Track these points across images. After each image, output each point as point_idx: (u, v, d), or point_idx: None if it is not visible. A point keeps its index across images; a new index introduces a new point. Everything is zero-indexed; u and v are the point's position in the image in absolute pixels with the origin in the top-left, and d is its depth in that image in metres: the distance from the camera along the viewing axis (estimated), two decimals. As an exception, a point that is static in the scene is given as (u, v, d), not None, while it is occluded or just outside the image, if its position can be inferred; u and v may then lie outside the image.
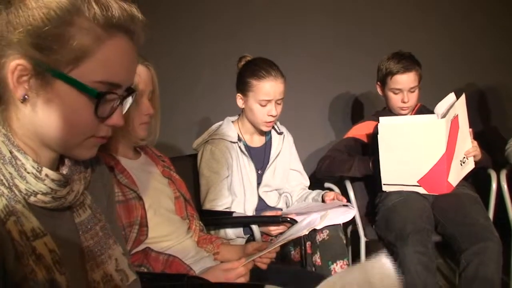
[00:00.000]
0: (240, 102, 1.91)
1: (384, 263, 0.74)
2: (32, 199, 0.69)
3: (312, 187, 2.16)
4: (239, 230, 1.78)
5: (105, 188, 0.90)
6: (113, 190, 0.94)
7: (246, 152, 1.92)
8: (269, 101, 1.83)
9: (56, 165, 0.76)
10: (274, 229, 1.79)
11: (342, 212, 1.83)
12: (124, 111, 0.77)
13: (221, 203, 1.82)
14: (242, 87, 1.87)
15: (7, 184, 0.68)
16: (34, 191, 0.69)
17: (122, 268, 0.83)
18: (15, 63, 0.66)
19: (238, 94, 1.90)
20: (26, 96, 0.67)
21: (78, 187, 0.76)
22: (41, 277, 0.66)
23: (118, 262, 0.82)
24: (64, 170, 0.76)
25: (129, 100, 0.78)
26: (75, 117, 0.69)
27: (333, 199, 1.96)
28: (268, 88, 1.82)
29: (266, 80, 1.81)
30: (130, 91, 0.77)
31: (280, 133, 2.05)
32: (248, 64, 1.89)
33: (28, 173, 0.69)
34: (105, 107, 0.71)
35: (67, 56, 0.66)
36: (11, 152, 0.69)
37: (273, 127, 2.03)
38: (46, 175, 0.70)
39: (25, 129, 0.70)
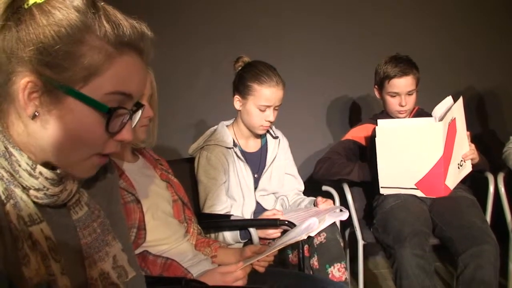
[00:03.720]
0: (237, 104, 1.91)
1: None
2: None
3: (310, 189, 2.16)
4: (237, 236, 1.77)
5: (107, 184, 0.89)
6: (118, 186, 0.93)
7: (242, 157, 1.92)
8: (268, 106, 1.84)
9: (50, 165, 0.75)
10: (272, 233, 1.78)
11: (336, 215, 1.84)
12: (133, 126, 0.77)
13: (220, 209, 1.82)
14: (242, 90, 1.86)
15: (7, 169, 0.68)
16: (27, 185, 0.69)
17: (121, 264, 0.83)
18: (26, 81, 0.66)
19: (236, 96, 1.90)
20: (36, 113, 0.67)
21: (72, 186, 0.76)
22: (34, 263, 0.66)
23: (116, 258, 0.82)
24: (60, 169, 0.75)
25: (138, 115, 0.78)
26: (86, 133, 0.69)
27: (319, 203, 1.93)
28: (269, 94, 1.82)
29: (268, 85, 1.81)
30: (138, 105, 0.77)
31: (276, 137, 2.05)
32: (249, 67, 1.88)
33: (22, 169, 0.69)
34: (115, 123, 0.71)
35: (78, 73, 0.66)
36: (6, 148, 0.69)
37: (268, 132, 2.03)
38: (40, 173, 0.70)
39: (29, 142, 0.70)
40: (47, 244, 0.68)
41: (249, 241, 1.78)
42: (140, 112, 0.78)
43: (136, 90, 0.73)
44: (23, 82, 0.66)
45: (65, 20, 0.65)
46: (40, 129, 0.68)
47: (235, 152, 1.91)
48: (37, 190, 0.70)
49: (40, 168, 0.70)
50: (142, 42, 0.72)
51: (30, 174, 0.69)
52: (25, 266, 0.65)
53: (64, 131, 0.68)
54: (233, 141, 1.93)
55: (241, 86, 1.87)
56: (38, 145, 0.70)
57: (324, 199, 1.94)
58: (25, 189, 0.69)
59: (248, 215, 1.89)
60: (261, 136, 2.02)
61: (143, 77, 0.75)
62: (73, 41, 0.65)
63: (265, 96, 1.82)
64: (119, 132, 0.73)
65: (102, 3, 0.69)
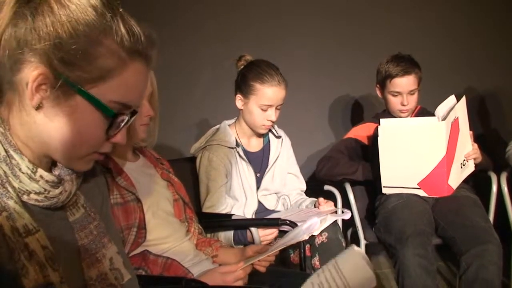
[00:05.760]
0: (239, 103, 1.90)
1: (354, 255, 0.76)
2: (25, 197, 0.70)
3: (311, 189, 2.15)
4: (230, 239, 1.76)
5: (99, 188, 0.90)
6: (107, 190, 0.95)
7: (244, 157, 1.91)
8: (270, 106, 1.83)
9: (49, 166, 0.76)
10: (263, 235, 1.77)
11: (338, 214, 1.84)
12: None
13: (220, 210, 1.82)
14: (244, 89, 1.86)
15: (1, 178, 0.68)
16: (27, 190, 0.69)
17: (117, 267, 0.83)
18: (38, 72, 0.66)
19: (238, 95, 1.89)
20: (41, 105, 0.68)
21: (70, 187, 0.77)
22: (33, 273, 0.65)
23: (112, 261, 0.83)
24: (57, 171, 0.76)
25: (131, 120, 0.80)
26: (87, 132, 0.70)
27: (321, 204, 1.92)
28: (271, 94, 1.81)
29: (270, 85, 1.81)
30: (133, 112, 0.78)
31: (278, 137, 2.04)
32: (251, 66, 1.87)
33: (23, 173, 0.69)
34: (115, 127, 0.73)
35: (90, 74, 0.67)
36: (6, 151, 0.69)
37: (271, 131, 2.02)
38: (41, 176, 0.70)
39: (30, 132, 0.70)
40: (44, 253, 0.68)
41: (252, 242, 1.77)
42: (133, 118, 0.80)
43: (137, 100, 0.75)
44: (34, 73, 0.66)
45: (83, 18, 0.66)
46: (43, 121, 0.69)
47: (238, 152, 1.90)
48: (38, 193, 0.71)
49: (40, 171, 0.70)
50: (151, 50, 0.73)
51: (31, 178, 0.69)
52: (24, 277, 0.65)
53: (66, 127, 0.69)
54: (236, 140, 1.92)
55: (243, 85, 1.86)
56: (39, 138, 0.70)
57: (326, 201, 1.92)
58: (24, 194, 0.69)
59: (250, 215, 1.88)
60: (264, 136, 2.02)
61: (146, 85, 0.77)
62: (90, 41, 0.66)
63: (267, 95, 1.81)
64: (114, 136, 0.75)
65: (119, 7, 0.70)
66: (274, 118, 1.85)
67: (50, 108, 0.68)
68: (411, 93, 2.13)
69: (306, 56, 2.79)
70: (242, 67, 1.91)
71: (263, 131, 1.93)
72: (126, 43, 0.69)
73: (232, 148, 1.89)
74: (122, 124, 0.74)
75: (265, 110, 1.84)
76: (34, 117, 0.69)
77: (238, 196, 1.88)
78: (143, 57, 0.72)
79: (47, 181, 0.71)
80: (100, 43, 0.67)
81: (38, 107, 0.67)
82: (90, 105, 0.68)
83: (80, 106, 0.68)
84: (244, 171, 1.90)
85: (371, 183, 2.17)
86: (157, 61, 0.76)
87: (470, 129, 2.02)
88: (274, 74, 1.82)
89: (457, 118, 1.93)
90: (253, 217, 1.89)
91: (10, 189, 0.68)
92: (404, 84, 2.11)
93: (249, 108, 1.86)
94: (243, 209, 1.88)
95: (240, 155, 1.90)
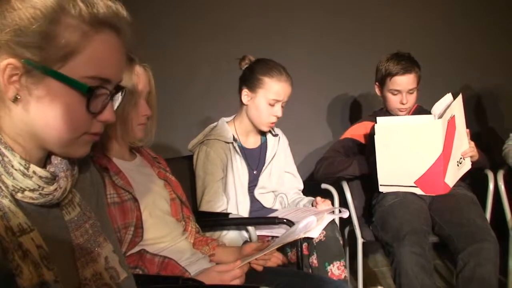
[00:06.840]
0: (245, 99, 1.90)
1: None
2: (19, 195, 0.69)
3: (309, 187, 2.15)
4: (235, 238, 1.77)
5: (94, 186, 0.90)
6: (103, 188, 0.95)
7: (240, 153, 1.91)
8: (277, 101, 1.84)
9: (43, 163, 0.76)
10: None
11: (335, 215, 1.84)
12: (115, 108, 0.79)
13: (218, 205, 1.82)
14: (252, 83, 1.87)
15: None
16: (21, 187, 0.69)
17: (113, 265, 0.83)
18: (5, 63, 0.67)
19: (245, 90, 1.89)
20: (17, 96, 0.68)
21: (65, 184, 0.76)
22: (27, 273, 0.65)
23: (108, 259, 0.83)
24: (51, 168, 0.76)
25: (119, 97, 0.80)
26: (68, 113, 0.70)
27: (318, 203, 1.93)
28: (280, 88, 1.83)
29: (279, 80, 1.83)
30: (119, 88, 0.78)
31: (275, 135, 2.05)
32: (259, 62, 1.89)
33: (16, 169, 0.69)
34: (96, 103, 0.73)
35: (56, 53, 0.67)
36: None
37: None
38: (34, 172, 0.70)
39: (16, 127, 0.70)
40: (38, 252, 0.68)
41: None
42: (120, 94, 0.80)
43: (115, 72, 0.75)
44: (2, 65, 0.67)
45: (39, 2, 0.67)
46: (22, 112, 0.69)
47: (234, 147, 1.90)
48: (32, 190, 0.70)
49: (33, 167, 0.70)
50: (117, 20, 0.73)
51: (24, 174, 0.69)
52: (19, 277, 0.64)
53: (46, 112, 0.69)
54: (233, 136, 1.93)
55: (250, 80, 1.87)
56: (25, 131, 0.71)
57: (323, 200, 1.93)
58: (18, 192, 0.69)
59: (243, 213, 1.88)
60: (261, 134, 2.02)
61: (121, 56, 0.76)
62: (48, 21, 0.67)
63: (276, 89, 1.83)
64: (101, 113, 0.74)
65: None
66: (280, 114, 1.87)
67: (26, 97, 0.68)
68: (410, 92, 2.13)
69: (304, 54, 2.78)
70: (246, 66, 1.93)
71: (266, 129, 1.94)
72: (85, 16, 0.69)
73: (229, 143, 1.90)
74: (105, 99, 0.74)
75: (272, 105, 1.85)
76: (14, 111, 0.69)
77: (230, 193, 1.88)
78: (108, 27, 0.72)
79: (40, 177, 0.71)
80: (58, 22, 0.67)
81: (16, 99, 0.68)
82: (63, 85, 0.69)
83: (54, 88, 0.68)
84: (238, 168, 1.90)
85: (368, 180, 2.17)
86: (129, 32, 0.75)
87: (467, 127, 2.02)
88: (282, 71, 1.86)
89: (454, 116, 1.93)
90: (248, 215, 1.89)
91: (3, 187, 0.68)
92: (405, 82, 2.11)
93: (255, 103, 1.87)
94: (236, 207, 1.88)
95: (236, 150, 1.90)
